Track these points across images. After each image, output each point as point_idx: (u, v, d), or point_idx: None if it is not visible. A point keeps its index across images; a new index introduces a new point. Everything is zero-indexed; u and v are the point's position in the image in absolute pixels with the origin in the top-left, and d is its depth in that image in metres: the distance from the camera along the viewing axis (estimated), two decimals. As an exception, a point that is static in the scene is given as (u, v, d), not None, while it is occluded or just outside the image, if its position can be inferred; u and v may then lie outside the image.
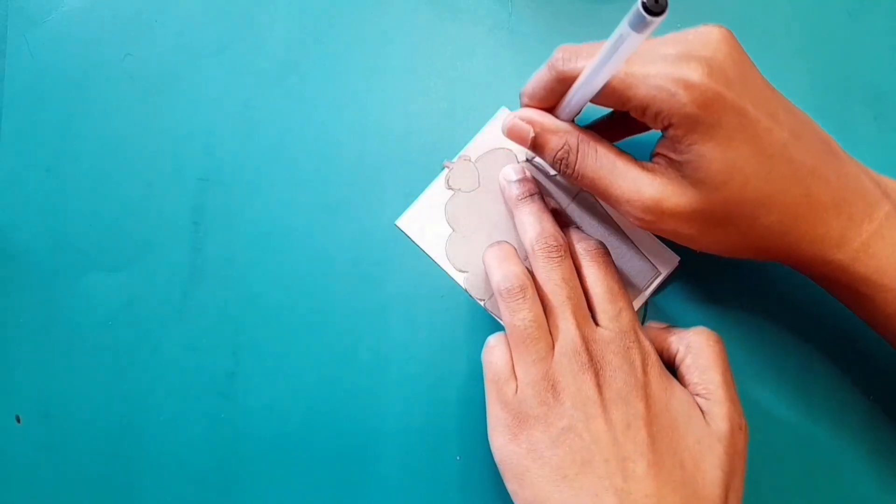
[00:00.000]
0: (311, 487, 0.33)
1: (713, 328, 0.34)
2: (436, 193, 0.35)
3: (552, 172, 0.35)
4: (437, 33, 0.36)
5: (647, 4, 0.21)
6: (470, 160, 0.35)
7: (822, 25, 0.36)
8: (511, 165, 0.34)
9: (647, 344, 0.30)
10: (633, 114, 0.28)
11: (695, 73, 0.26)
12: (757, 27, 0.36)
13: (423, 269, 0.34)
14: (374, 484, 0.33)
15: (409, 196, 0.35)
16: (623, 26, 0.22)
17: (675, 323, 0.34)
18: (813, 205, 0.27)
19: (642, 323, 0.34)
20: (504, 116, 0.35)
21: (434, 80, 0.36)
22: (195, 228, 0.35)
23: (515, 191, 0.33)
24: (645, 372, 0.29)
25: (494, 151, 0.35)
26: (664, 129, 0.27)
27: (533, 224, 0.32)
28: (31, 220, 0.35)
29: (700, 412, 0.29)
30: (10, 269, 0.35)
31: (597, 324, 0.30)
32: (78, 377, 0.34)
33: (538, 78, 0.30)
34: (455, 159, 0.35)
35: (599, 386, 0.28)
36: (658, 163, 0.28)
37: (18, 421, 0.34)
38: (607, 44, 0.24)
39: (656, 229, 0.29)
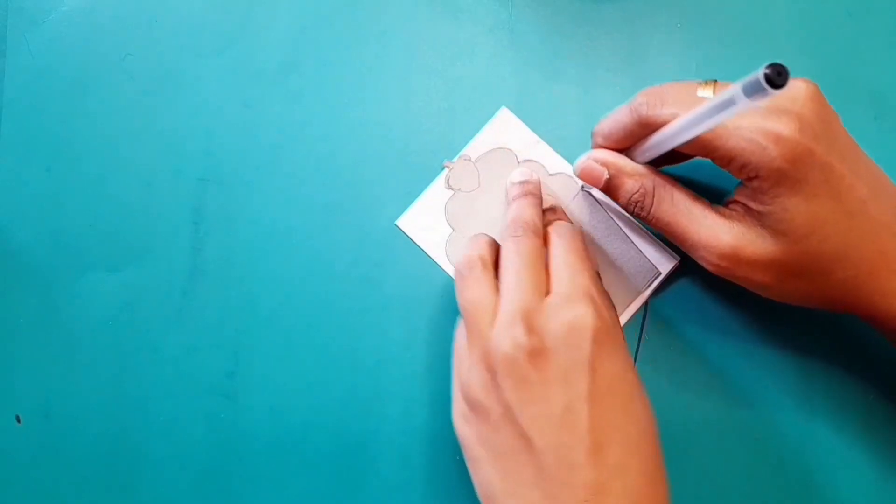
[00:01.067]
0: (311, 487, 0.33)
1: (713, 328, 0.34)
2: (436, 193, 0.35)
3: (552, 171, 0.35)
4: (436, 33, 0.36)
5: (770, 76, 0.20)
6: (470, 160, 0.35)
7: (822, 25, 0.36)
8: (519, 169, 0.34)
9: (603, 310, 0.28)
10: (716, 163, 0.28)
11: (787, 129, 0.26)
12: (757, 27, 0.36)
13: (423, 268, 0.34)
14: (373, 484, 0.33)
15: (409, 196, 0.35)
16: (735, 90, 0.21)
17: (675, 324, 0.34)
18: (887, 261, 0.27)
19: (641, 327, 0.34)
20: (504, 114, 0.35)
21: (434, 80, 0.36)
22: (195, 228, 0.35)
23: (515, 191, 0.33)
24: (595, 341, 0.27)
25: (494, 151, 0.35)
26: (748, 180, 0.27)
27: (511, 212, 0.32)
28: (30, 219, 0.35)
29: (642, 389, 0.28)
30: (9, 269, 0.35)
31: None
32: (78, 377, 0.34)
33: (616, 119, 0.30)
34: (455, 159, 0.35)
35: (538, 363, 0.27)
36: (735, 210, 0.28)
37: (18, 421, 0.34)
38: (710, 103, 0.24)
39: (730, 276, 0.29)
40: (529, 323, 0.27)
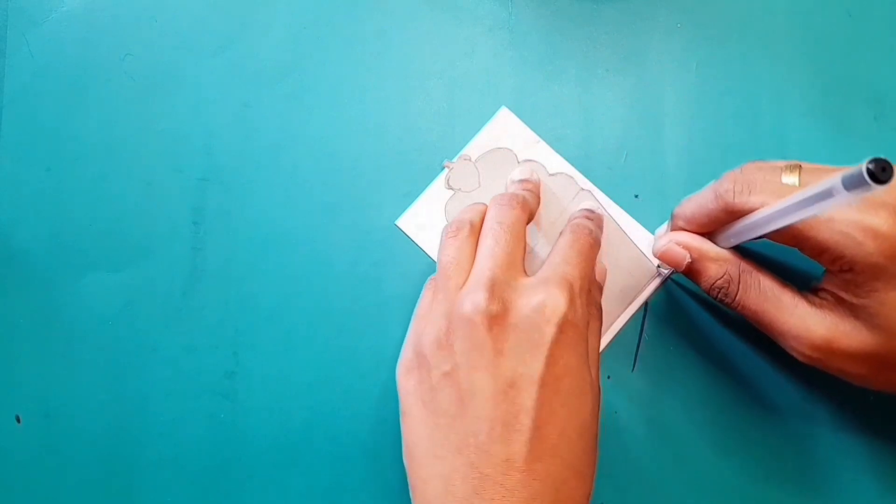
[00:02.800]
0: (311, 487, 0.33)
1: (714, 326, 0.34)
2: (436, 193, 0.35)
3: (552, 171, 0.35)
4: (436, 33, 0.36)
5: (874, 171, 0.19)
6: (470, 160, 0.35)
7: (822, 25, 0.36)
8: (519, 168, 0.34)
9: (578, 304, 0.27)
10: (805, 252, 0.27)
11: (885, 224, 0.25)
12: (757, 27, 0.36)
13: (423, 268, 0.34)
14: (373, 484, 0.33)
15: (409, 196, 0.35)
16: (834, 182, 0.20)
17: (674, 323, 0.34)
18: None
19: (641, 327, 0.34)
20: (503, 114, 0.35)
21: (434, 80, 0.36)
22: (195, 228, 0.35)
23: (513, 189, 0.33)
24: (560, 329, 0.26)
25: (494, 151, 0.35)
26: (839, 272, 0.26)
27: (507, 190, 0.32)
28: (31, 220, 0.35)
29: (594, 389, 0.28)
30: (9, 269, 0.35)
31: None
32: (78, 377, 0.34)
33: (700, 203, 0.29)
34: (455, 159, 0.35)
35: (496, 332, 0.26)
36: (825, 299, 0.27)
37: (18, 421, 0.34)
38: (803, 193, 0.23)
39: (822, 366, 0.28)
40: (496, 292, 0.27)
